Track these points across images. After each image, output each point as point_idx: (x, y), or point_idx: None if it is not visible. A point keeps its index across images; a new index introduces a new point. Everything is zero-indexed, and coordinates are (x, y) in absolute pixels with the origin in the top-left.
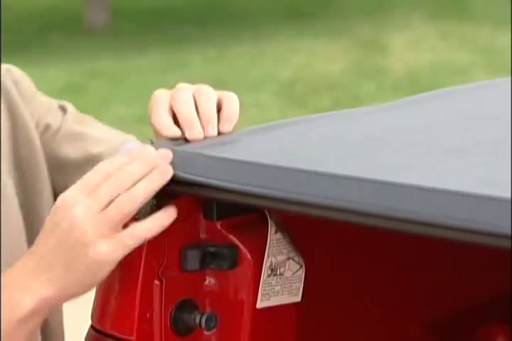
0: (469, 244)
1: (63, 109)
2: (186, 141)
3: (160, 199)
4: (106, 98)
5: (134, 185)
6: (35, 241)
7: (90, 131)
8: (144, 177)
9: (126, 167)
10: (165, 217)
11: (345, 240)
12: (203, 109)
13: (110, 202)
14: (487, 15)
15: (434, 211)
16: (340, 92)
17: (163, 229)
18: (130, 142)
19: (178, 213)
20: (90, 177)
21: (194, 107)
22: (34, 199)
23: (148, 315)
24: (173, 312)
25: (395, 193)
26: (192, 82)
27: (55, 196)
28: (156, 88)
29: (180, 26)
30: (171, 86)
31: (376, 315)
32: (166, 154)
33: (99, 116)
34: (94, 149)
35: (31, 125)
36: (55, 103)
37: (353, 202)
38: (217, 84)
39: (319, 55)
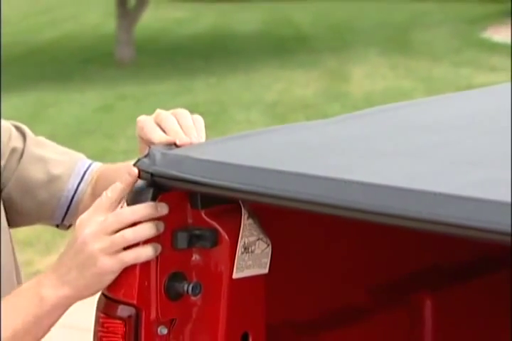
0: (401, 227)
1: (21, 132)
2: (176, 146)
3: (156, 193)
4: (130, 116)
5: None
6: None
7: (48, 154)
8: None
9: (129, 209)
10: (152, 250)
11: (304, 224)
12: (185, 123)
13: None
14: (427, 51)
15: (371, 201)
16: (313, 111)
17: (153, 256)
18: (82, 161)
19: (170, 203)
20: (102, 206)
21: (178, 122)
22: None
23: (146, 284)
24: (166, 282)
25: (340, 187)
26: (197, 102)
27: (19, 215)
28: (170, 108)
29: (189, 60)
30: (180, 107)
31: (328, 284)
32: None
33: (125, 130)
34: (55, 170)
35: None
36: (9, 124)
37: (307, 194)
38: (217, 105)
39: (296, 82)
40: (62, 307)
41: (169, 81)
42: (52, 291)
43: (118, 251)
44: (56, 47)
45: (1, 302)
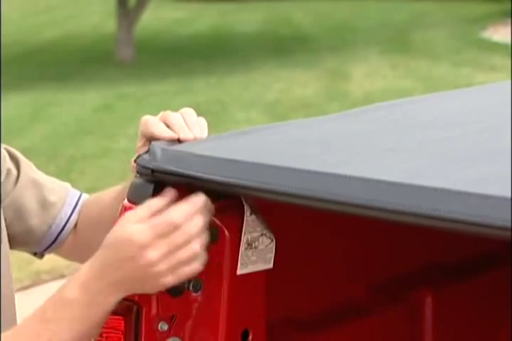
0: (399, 223)
1: (14, 157)
2: (179, 142)
3: (156, 188)
4: (130, 115)
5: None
6: (103, 255)
7: (42, 179)
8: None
9: (190, 223)
10: (201, 262)
11: (304, 221)
12: (189, 120)
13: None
14: (427, 51)
15: (371, 196)
16: (312, 110)
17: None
18: (72, 190)
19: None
20: (161, 225)
21: (183, 119)
22: None
23: None
24: None
25: (339, 182)
26: (198, 102)
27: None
28: (170, 107)
29: (189, 60)
30: (180, 107)
31: (329, 282)
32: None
33: (125, 130)
34: (50, 197)
35: None
36: (2, 148)
37: (307, 190)
38: (217, 105)
39: (296, 82)
40: (113, 308)
41: (169, 81)
42: (108, 298)
43: (180, 267)
44: (56, 47)
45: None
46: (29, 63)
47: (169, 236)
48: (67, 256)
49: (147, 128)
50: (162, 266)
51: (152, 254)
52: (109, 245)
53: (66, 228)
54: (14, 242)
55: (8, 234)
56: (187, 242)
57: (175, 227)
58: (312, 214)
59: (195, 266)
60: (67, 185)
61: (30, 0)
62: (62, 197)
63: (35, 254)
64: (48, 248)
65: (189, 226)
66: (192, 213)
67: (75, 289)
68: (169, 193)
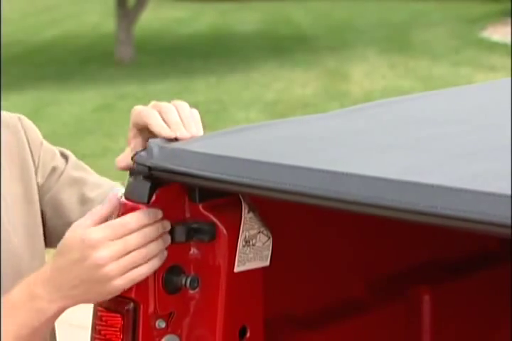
0: (396, 220)
1: (64, 156)
2: (175, 139)
3: (153, 186)
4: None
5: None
6: (54, 260)
7: (88, 176)
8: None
9: (146, 227)
10: (158, 261)
11: (303, 218)
12: (184, 115)
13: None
14: (426, 51)
15: (369, 193)
16: (312, 110)
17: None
18: (117, 188)
19: (168, 197)
20: (115, 226)
21: (178, 114)
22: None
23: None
24: (164, 275)
25: (337, 179)
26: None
27: (49, 234)
28: None
29: (189, 59)
30: None
31: (327, 278)
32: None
33: (125, 129)
34: (91, 194)
35: (33, 168)
36: (56, 149)
37: (305, 187)
38: (217, 104)
39: (296, 82)
40: (59, 316)
41: (169, 80)
42: (51, 305)
43: (130, 270)
44: (56, 47)
45: None
46: (29, 63)
47: (122, 238)
48: None
49: (141, 119)
50: (112, 267)
51: (102, 254)
52: (59, 249)
53: None
54: (57, 239)
55: (51, 230)
56: (140, 244)
57: (129, 229)
58: (310, 212)
59: (146, 270)
60: (116, 183)
61: (30, 0)
62: (104, 193)
63: None
64: None
65: (145, 229)
66: (147, 221)
67: (21, 293)
68: (114, 203)
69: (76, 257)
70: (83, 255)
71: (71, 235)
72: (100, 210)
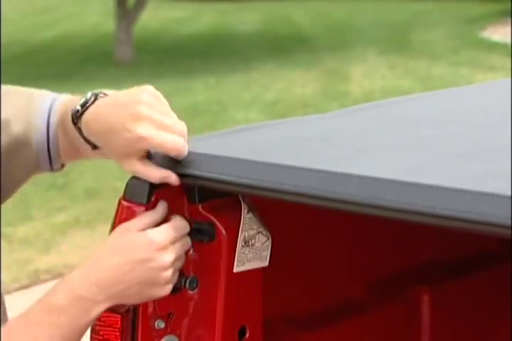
0: (395, 220)
1: None
2: None
3: (153, 187)
4: None
5: None
6: (106, 260)
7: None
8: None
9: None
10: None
11: (301, 219)
12: (167, 114)
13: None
14: (426, 51)
15: (368, 194)
16: (312, 110)
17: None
18: (40, 105)
19: (168, 198)
20: (172, 230)
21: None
22: None
23: None
24: None
25: (336, 180)
26: (197, 102)
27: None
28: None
29: (188, 60)
30: (180, 107)
31: (326, 279)
32: None
33: None
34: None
35: None
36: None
37: (304, 188)
38: (216, 104)
39: (295, 82)
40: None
41: (168, 80)
42: (98, 306)
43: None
44: (56, 47)
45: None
46: (29, 63)
47: (179, 242)
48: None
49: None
50: (172, 271)
51: (168, 257)
52: (117, 249)
53: (51, 143)
54: (19, 177)
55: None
56: (186, 248)
57: (182, 235)
58: (309, 212)
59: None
60: (35, 97)
61: (30, 0)
62: (28, 122)
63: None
64: (51, 158)
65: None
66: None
67: (65, 296)
68: (165, 207)
69: (141, 258)
70: (150, 257)
71: (131, 236)
72: (151, 214)
